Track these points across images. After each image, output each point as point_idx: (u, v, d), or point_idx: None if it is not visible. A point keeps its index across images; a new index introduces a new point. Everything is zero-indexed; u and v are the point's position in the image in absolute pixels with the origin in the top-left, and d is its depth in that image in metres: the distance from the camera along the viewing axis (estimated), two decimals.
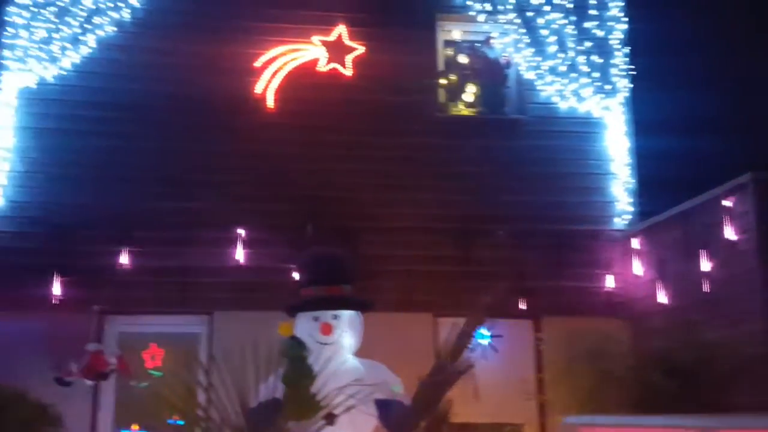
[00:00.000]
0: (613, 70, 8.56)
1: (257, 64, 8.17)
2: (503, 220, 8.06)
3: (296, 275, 6.22)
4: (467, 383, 4.63)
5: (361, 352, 5.28)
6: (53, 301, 7.34)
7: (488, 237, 7.95)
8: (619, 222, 8.33)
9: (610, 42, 8.62)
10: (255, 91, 8.13)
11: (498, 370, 7.34)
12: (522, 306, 7.76)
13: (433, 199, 8.12)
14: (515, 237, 7.96)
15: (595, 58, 8.53)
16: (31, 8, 7.86)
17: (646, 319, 7.62)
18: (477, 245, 7.94)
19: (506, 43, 8.67)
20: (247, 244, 7.71)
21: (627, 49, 8.63)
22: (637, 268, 7.90)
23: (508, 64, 8.66)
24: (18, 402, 5.59)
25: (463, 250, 7.93)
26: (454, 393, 4.57)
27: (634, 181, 8.44)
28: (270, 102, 8.16)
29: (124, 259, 7.54)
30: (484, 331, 7.36)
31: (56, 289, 7.37)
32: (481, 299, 4.57)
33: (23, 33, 7.83)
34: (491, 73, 8.68)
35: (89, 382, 7.04)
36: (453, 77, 8.67)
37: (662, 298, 7.38)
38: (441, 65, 8.71)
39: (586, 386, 6.34)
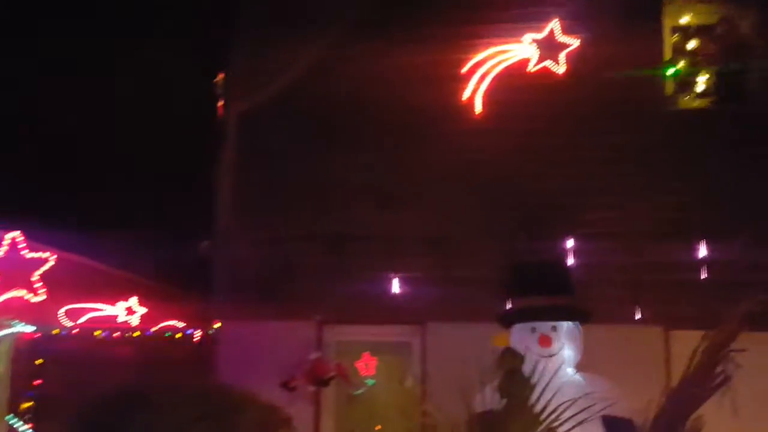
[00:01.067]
0: None
1: (464, 70, 8.33)
2: (747, 223, 7.50)
3: (509, 285, 6.26)
4: (722, 399, 4.36)
5: (580, 367, 5.21)
6: (280, 311, 7.97)
7: (730, 242, 7.44)
8: None
9: None
10: (462, 98, 8.31)
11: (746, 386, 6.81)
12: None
13: (664, 203, 7.79)
14: (761, 241, 7.37)
15: None
16: (252, 33, 8.62)
17: None
18: (716, 251, 7.48)
19: (746, 24, 8.09)
20: (456, 253, 7.83)
21: None
22: None
23: (747, 48, 8.06)
24: (252, 403, 6.20)
25: (699, 256, 7.51)
26: (706, 409, 4.34)
27: None
28: (478, 108, 8.29)
29: (345, 271, 7.96)
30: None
31: (282, 299, 8.00)
32: (736, 309, 4.32)
33: (244, 59, 8.59)
34: (728, 59, 8.14)
35: (311, 388, 7.71)
36: (682, 66, 8.25)
37: None
38: (668, 54, 8.33)
39: None
